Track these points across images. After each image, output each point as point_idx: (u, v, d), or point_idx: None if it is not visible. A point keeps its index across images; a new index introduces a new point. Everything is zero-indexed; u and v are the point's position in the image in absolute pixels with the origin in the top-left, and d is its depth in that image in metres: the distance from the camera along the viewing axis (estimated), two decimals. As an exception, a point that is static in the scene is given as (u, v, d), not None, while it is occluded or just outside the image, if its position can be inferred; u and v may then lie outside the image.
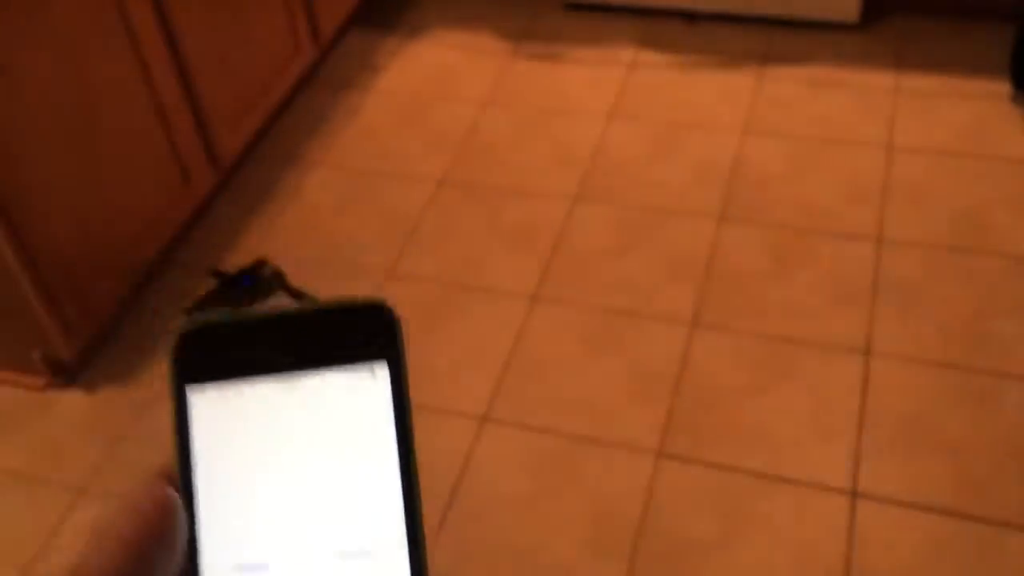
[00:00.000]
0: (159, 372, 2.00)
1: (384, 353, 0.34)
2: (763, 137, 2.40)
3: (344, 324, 0.34)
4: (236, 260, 2.19)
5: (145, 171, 2.02)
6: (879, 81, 2.53)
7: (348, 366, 0.34)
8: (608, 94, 2.58)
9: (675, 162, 2.36)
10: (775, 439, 1.77)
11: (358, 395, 0.34)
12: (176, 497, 0.32)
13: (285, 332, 0.34)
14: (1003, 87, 2.45)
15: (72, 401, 1.96)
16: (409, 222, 2.27)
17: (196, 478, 0.33)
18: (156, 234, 2.09)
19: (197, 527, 0.33)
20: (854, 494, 1.68)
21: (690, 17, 2.80)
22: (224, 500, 0.33)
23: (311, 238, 2.26)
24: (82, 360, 2.01)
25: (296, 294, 2.02)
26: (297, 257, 2.20)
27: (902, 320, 1.95)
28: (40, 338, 1.88)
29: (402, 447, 0.34)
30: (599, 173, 2.35)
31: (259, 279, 2.03)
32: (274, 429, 0.34)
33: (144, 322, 2.10)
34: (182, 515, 0.32)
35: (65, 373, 1.99)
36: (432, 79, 2.69)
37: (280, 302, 1.98)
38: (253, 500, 0.33)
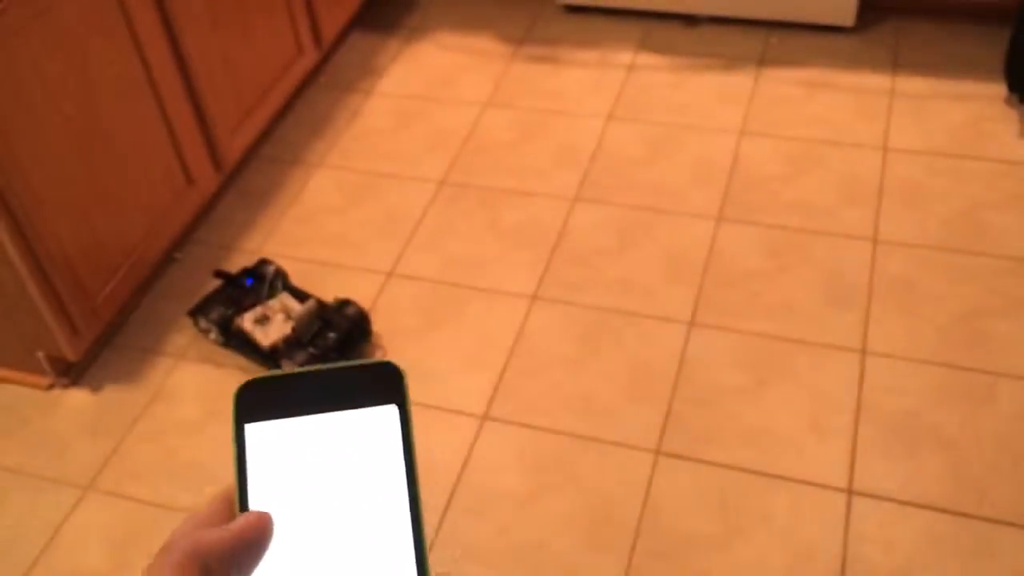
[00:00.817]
0: (162, 372, 2.02)
1: (393, 397, 0.45)
2: (760, 138, 2.42)
3: (364, 377, 0.45)
4: (239, 260, 2.21)
5: (149, 172, 2.04)
6: (875, 83, 2.55)
7: (367, 407, 0.44)
8: (607, 96, 2.60)
9: (674, 163, 2.38)
10: (772, 437, 1.79)
11: (374, 429, 0.44)
12: (272, 519, 0.43)
13: (322, 383, 0.45)
14: (997, 89, 2.47)
15: (76, 400, 1.98)
16: (410, 222, 2.29)
17: (250, 496, 0.43)
18: (160, 235, 2.10)
19: None
20: (850, 492, 1.70)
21: (689, 19, 2.82)
22: (273, 508, 0.43)
23: (313, 238, 2.28)
24: (86, 360, 2.02)
25: (298, 294, 2.04)
26: (299, 257, 2.22)
27: (898, 319, 1.96)
28: (45, 338, 1.90)
29: (408, 464, 0.44)
30: (598, 174, 2.37)
31: (261, 279, 2.05)
32: (311, 455, 0.44)
33: (148, 322, 2.12)
34: (272, 531, 0.42)
35: (70, 373, 2.00)
36: (433, 81, 2.71)
37: (282, 302, 2.00)
38: (294, 512, 0.43)
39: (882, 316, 1.97)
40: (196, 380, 1.99)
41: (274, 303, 1.99)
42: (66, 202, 1.82)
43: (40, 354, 1.94)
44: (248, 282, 2.04)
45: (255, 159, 2.51)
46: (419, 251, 2.22)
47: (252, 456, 0.44)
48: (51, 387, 2.00)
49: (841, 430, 1.78)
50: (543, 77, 2.69)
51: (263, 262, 2.08)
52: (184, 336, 2.07)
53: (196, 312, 2.04)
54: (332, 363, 0.45)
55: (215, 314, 2.00)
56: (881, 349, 1.91)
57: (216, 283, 2.09)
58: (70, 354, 1.92)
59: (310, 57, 2.58)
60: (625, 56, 2.72)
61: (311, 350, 1.90)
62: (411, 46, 2.85)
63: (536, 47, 2.79)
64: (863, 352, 1.91)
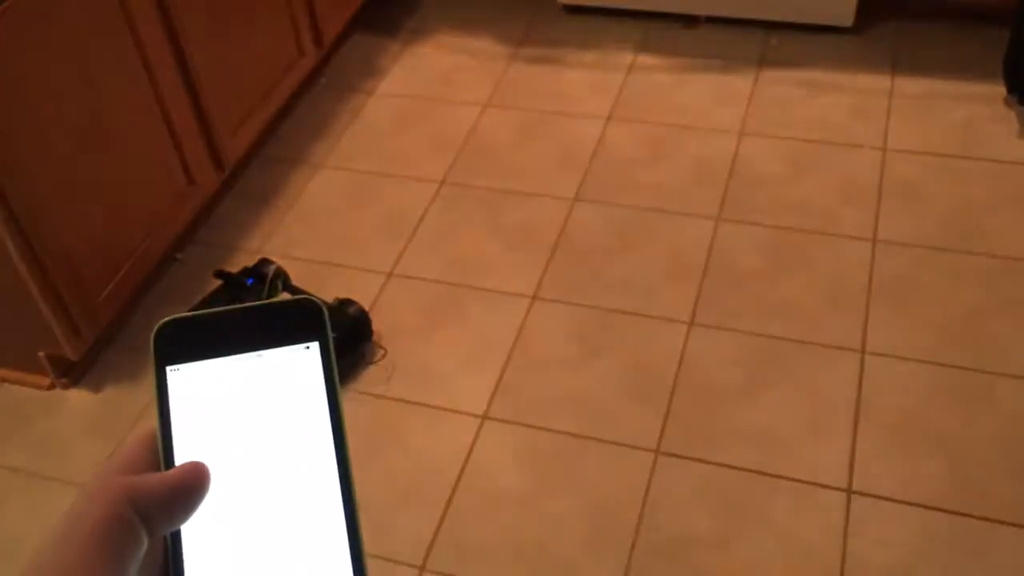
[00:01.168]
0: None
1: (315, 334, 0.44)
2: (760, 139, 2.43)
3: (284, 315, 0.44)
4: (240, 260, 2.21)
5: (151, 174, 2.05)
6: (874, 84, 2.56)
7: (289, 345, 0.44)
8: (607, 96, 2.61)
9: (673, 163, 2.39)
10: (772, 437, 1.79)
11: (297, 367, 0.44)
12: (209, 471, 0.41)
13: (242, 322, 0.44)
14: (996, 90, 2.47)
15: (78, 400, 1.99)
16: (411, 223, 2.30)
17: (174, 439, 0.42)
18: (161, 235, 2.11)
19: None
20: (849, 491, 1.70)
21: (688, 20, 2.83)
22: (197, 451, 0.42)
23: (314, 239, 2.28)
24: (88, 360, 2.03)
25: (298, 294, 2.04)
26: (300, 257, 2.22)
27: (897, 319, 1.97)
28: (46, 338, 1.90)
29: (331, 401, 0.43)
30: (598, 174, 2.38)
31: (262, 279, 2.05)
32: (235, 395, 0.43)
33: (149, 322, 2.13)
34: (209, 484, 0.41)
35: (71, 373, 2.01)
36: (433, 82, 2.72)
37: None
38: (219, 456, 0.42)
39: (881, 316, 1.98)
40: (197, 380, 1.99)
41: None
42: (67, 203, 1.83)
43: (41, 354, 1.95)
44: (249, 282, 2.04)
45: (256, 160, 2.51)
46: (420, 251, 2.23)
47: (175, 399, 0.43)
48: (52, 387, 2.01)
49: (840, 430, 1.79)
50: (543, 78, 2.69)
51: (264, 262, 2.09)
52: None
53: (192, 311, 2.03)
54: (252, 303, 0.45)
55: None
56: (880, 349, 1.92)
57: (217, 283, 2.09)
58: (71, 354, 1.93)
59: (311, 58, 2.59)
60: (625, 57, 2.73)
61: None
62: (412, 47, 2.85)
63: (536, 48, 2.80)
64: (862, 352, 1.92)
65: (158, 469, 0.41)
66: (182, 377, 0.43)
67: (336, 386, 0.44)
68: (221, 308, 0.44)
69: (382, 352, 1.99)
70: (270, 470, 0.42)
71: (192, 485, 0.40)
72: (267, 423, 0.43)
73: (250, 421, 0.43)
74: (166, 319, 0.44)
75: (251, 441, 0.42)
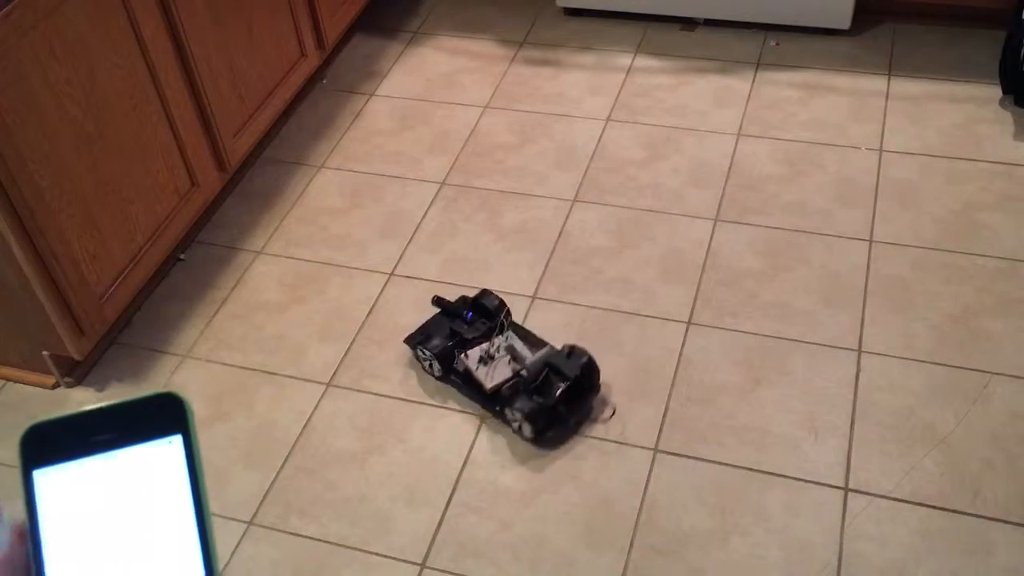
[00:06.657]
0: (167, 371, 2.04)
1: (177, 428, 0.46)
2: (757, 140, 2.45)
3: (146, 411, 0.46)
4: (242, 260, 2.23)
5: (153, 174, 2.07)
6: (871, 85, 2.57)
7: (152, 440, 0.45)
8: (606, 98, 2.62)
9: (672, 164, 2.40)
10: (769, 435, 1.81)
11: (161, 459, 0.45)
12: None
13: (106, 421, 0.45)
14: (992, 91, 2.49)
15: (82, 399, 2.00)
16: (411, 223, 2.31)
17: (43, 537, 0.44)
18: (164, 235, 2.12)
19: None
20: (846, 489, 1.72)
21: (687, 22, 2.84)
22: (66, 552, 0.44)
23: (315, 239, 2.30)
24: (92, 359, 2.04)
25: (520, 332, 1.92)
26: (301, 257, 2.24)
27: (893, 319, 1.99)
28: (50, 338, 1.92)
29: (195, 493, 0.45)
30: (597, 175, 2.39)
31: (486, 314, 1.90)
32: (101, 492, 0.45)
33: (153, 321, 2.14)
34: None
35: (75, 372, 2.02)
36: (434, 83, 2.74)
37: (508, 341, 1.88)
38: (88, 554, 0.44)
39: (877, 316, 1.99)
40: (200, 379, 2.01)
41: (499, 340, 1.87)
42: (71, 203, 1.84)
43: (45, 353, 1.96)
44: (468, 316, 1.93)
45: (258, 161, 2.53)
46: (420, 252, 2.24)
47: (43, 502, 0.44)
48: (56, 386, 2.02)
49: (837, 428, 1.81)
50: (543, 79, 2.71)
51: (485, 293, 1.97)
52: (188, 335, 2.09)
53: (416, 342, 1.94)
54: (115, 400, 0.46)
55: (437, 346, 1.89)
56: (876, 348, 1.93)
57: (434, 311, 1.99)
58: (75, 353, 1.94)
59: (313, 60, 2.60)
60: (624, 59, 2.75)
61: (536, 398, 1.77)
62: (412, 49, 2.87)
63: (536, 50, 2.82)
64: (859, 351, 1.93)
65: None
66: (49, 480, 0.45)
67: (200, 478, 0.45)
68: (85, 409, 0.46)
69: (611, 408, 1.87)
70: (138, 565, 0.44)
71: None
72: (133, 518, 0.44)
73: (116, 518, 0.44)
74: (32, 424, 0.45)
75: (118, 538, 0.44)
